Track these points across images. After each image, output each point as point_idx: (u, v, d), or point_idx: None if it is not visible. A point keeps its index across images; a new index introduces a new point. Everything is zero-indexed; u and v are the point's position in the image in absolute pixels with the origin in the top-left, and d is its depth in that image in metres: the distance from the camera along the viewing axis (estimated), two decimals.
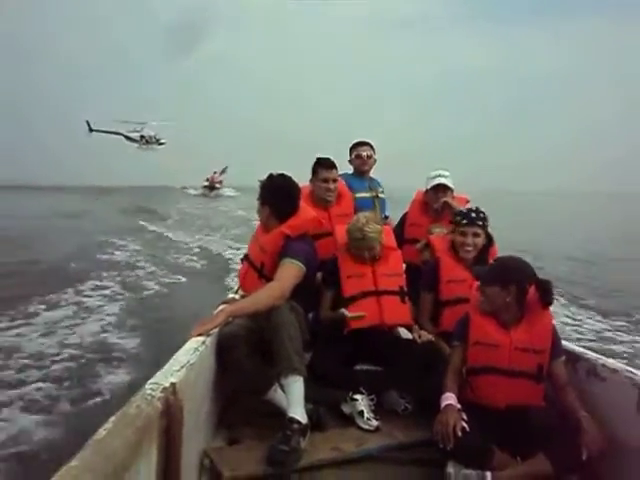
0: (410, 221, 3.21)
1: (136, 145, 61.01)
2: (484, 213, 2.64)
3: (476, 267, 2.34)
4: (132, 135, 60.77)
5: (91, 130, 59.49)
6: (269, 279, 2.33)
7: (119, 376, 5.01)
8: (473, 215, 2.60)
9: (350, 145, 3.51)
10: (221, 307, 2.27)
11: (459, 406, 2.03)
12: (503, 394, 2.08)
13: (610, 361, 2.14)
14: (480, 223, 2.60)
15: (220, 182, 47.89)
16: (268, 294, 2.21)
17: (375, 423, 2.28)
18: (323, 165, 3.02)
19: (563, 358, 2.16)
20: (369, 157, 3.45)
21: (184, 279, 9.92)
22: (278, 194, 2.50)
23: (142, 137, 60.22)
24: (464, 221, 2.60)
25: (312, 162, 3.09)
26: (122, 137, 61.03)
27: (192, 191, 47.87)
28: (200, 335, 2.01)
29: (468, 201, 3.16)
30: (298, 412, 2.05)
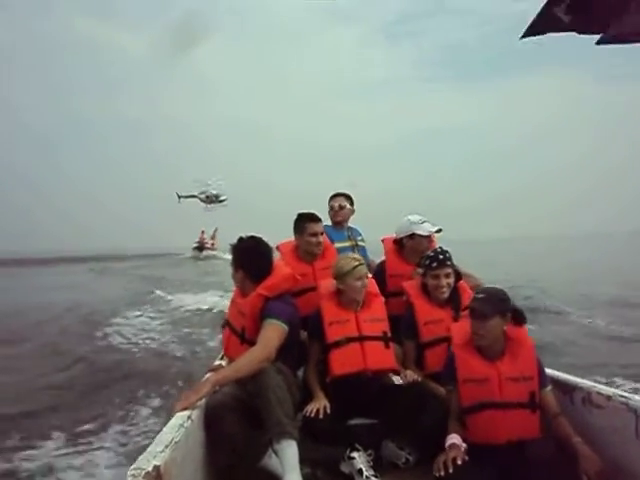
0: (390, 272, 3.09)
1: (203, 205, 62.58)
2: (448, 252, 2.68)
3: (471, 306, 2.23)
4: (201, 196, 62.56)
5: (180, 197, 61.68)
6: (252, 343, 2.30)
7: None
8: (441, 257, 2.64)
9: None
10: (207, 376, 2.22)
11: (464, 445, 2.01)
12: (501, 429, 2.06)
13: (604, 388, 2.16)
14: (449, 263, 2.64)
15: (212, 244, 47.61)
16: (252, 358, 2.17)
17: None
18: (312, 219, 3.04)
19: (550, 387, 2.17)
20: (341, 207, 3.49)
21: None
22: (250, 256, 2.50)
23: (207, 197, 61.28)
24: (434, 264, 2.63)
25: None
26: (198, 199, 62.78)
27: (183, 254, 47.10)
28: (185, 409, 1.96)
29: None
30: (294, 479, 1.98)
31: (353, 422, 2.47)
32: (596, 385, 2.20)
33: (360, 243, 3.52)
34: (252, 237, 2.58)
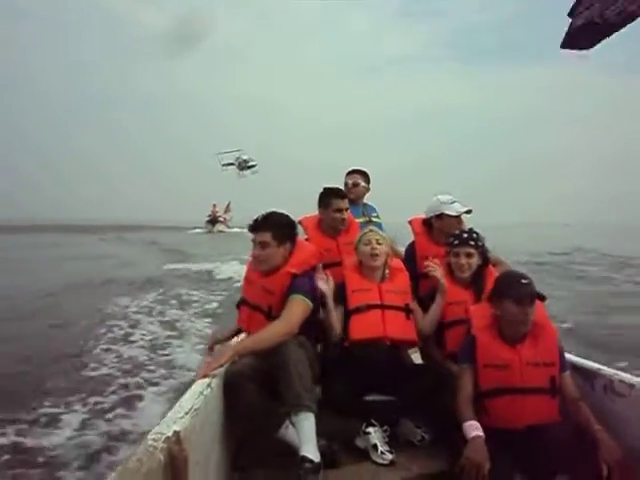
0: (421, 254, 2.99)
1: (237, 172, 60.91)
2: (477, 234, 2.62)
3: (521, 291, 2.11)
4: (235, 163, 60.96)
5: (223, 166, 60.44)
6: None
7: None
8: (465, 236, 2.59)
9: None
10: (228, 343, 2.22)
11: (483, 435, 1.95)
12: (521, 414, 2.04)
13: (627, 376, 2.11)
14: (472, 243, 2.58)
15: (224, 219, 46.41)
16: (274, 332, 2.20)
17: (390, 457, 2.23)
18: (337, 195, 3.03)
19: (568, 372, 2.14)
20: (355, 185, 3.49)
21: None
22: (294, 231, 2.50)
23: (239, 164, 60.03)
24: (456, 242, 2.59)
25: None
26: (234, 166, 61.05)
27: (196, 230, 46.03)
28: (206, 376, 2.00)
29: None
30: (310, 450, 2.01)
31: (370, 398, 2.48)
32: (618, 373, 2.16)
33: (374, 219, 3.49)
34: (280, 212, 2.56)
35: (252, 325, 2.50)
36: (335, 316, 2.55)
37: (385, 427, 2.36)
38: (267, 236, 2.41)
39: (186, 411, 1.63)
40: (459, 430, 2.02)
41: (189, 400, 1.74)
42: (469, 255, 2.58)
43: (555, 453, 1.92)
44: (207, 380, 1.98)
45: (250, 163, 59.70)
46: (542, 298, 2.10)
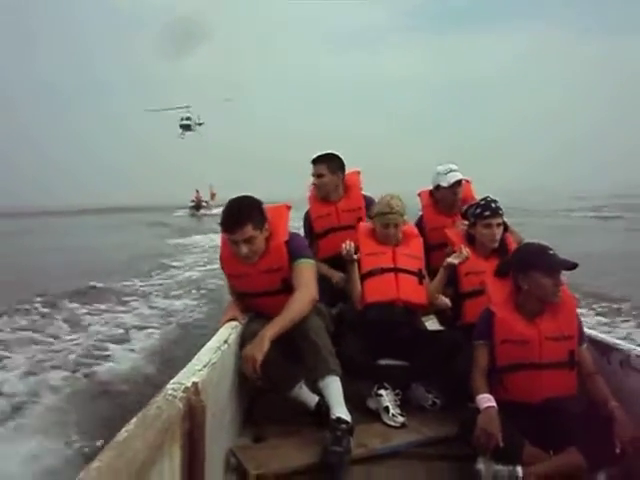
0: (429, 226, 3.02)
1: (180, 131, 56.88)
2: (498, 201, 2.56)
3: (559, 260, 2.05)
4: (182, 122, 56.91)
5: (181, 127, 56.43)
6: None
7: None
8: (493, 205, 2.52)
9: None
10: (262, 333, 2.05)
11: (496, 406, 1.95)
12: (538, 388, 2.02)
13: None
14: (501, 212, 2.52)
15: (207, 203, 45.67)
16: (303, 302, 2.17)
17: (401, 419, 2.25)
18: (313, 161, 3.04)
19: (586, 345, 2.10)
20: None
21: None
22: (262, 206, 2.33)
23: (184, 123, 55.89)
24: (486, 213, 2.51)
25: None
26: (179, 126, 57.48)
27: (180, 212, 46.02)
28: (230, 320, 2.23)
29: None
30: (342, 411, 2.04)
31: (384, 362, 2.50)
32: (636, 348, 2.12)
33: None
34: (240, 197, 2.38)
35: (273, 308, 2.27)
36: (358, 280, 2.56)
37: (397, 391, 2.38)
38: (249, 229, 2.19)
39: (204, 364, 1.65)
40: (471, 398, 2.02)
41: (207, 354, 1.77)
42: (499, 225, 2.53)
43: (569, 425, 1.91)
44: (224, 336, 2.01)
45: (188, 122, 55.19)
46: (574, 266, 2.01)
